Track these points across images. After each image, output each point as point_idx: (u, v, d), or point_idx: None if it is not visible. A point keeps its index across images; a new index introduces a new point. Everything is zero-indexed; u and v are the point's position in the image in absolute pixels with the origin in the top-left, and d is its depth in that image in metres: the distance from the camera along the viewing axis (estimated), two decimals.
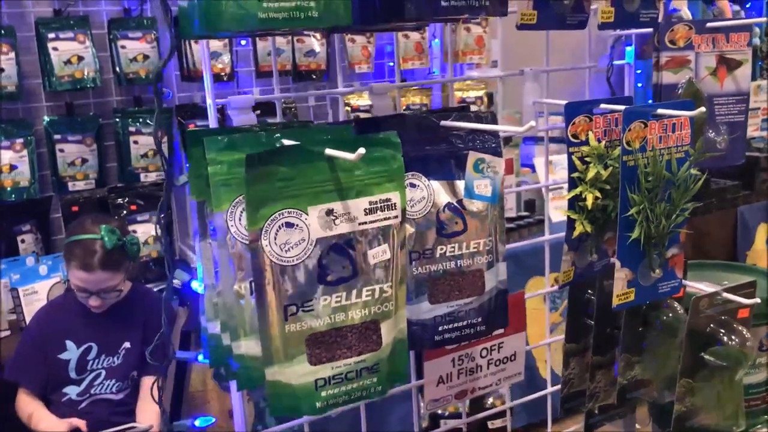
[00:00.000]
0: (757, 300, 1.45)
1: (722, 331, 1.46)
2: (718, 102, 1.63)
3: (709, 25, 1.57)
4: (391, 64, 3.80)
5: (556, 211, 2.87)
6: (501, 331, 1.49)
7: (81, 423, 2.29)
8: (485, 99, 3.80)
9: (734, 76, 1.61)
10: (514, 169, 3.32)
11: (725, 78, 1.62)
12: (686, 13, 2.29)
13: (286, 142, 1.08)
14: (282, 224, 0.99)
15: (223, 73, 3.21)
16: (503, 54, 3.59)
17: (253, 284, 1.03)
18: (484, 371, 1.60)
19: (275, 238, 0.99)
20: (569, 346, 1.65)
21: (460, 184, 1.28)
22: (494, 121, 1.30)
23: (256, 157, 0.99)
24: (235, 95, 1.29)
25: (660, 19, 1.67)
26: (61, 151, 2.95)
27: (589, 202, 1.42)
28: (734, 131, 1.65)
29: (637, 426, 1.84)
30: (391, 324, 1.09)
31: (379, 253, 1.06)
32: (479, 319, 1.31)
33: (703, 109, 1.30)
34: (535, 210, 3.45)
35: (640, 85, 1.82)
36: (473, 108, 3.74)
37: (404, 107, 3.68)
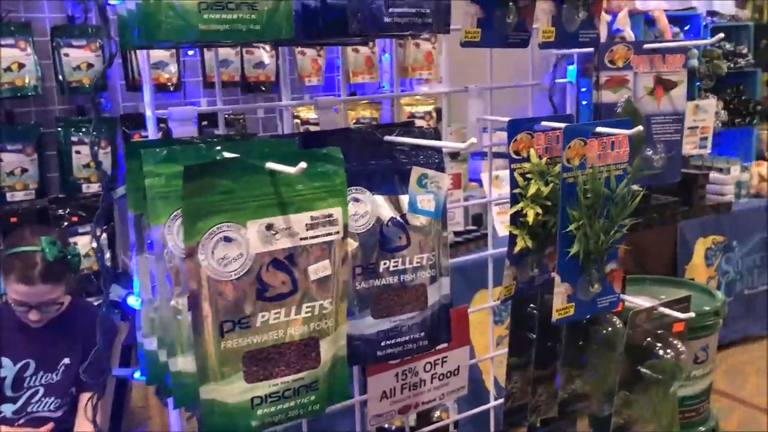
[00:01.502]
0: (692, 314, 1.48)
1: (658, 344, 1.49)
2: (655, 121, 1.68)
3: (646, 46, 1.62)
4: None
5: (502, 225, 2.90)
6: (445, 345, 1.49)
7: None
8: (434, 114, 3.84)
9: (670, 96, 1.66)
10: (462, 184, 3.35)
11: (662, 98, 1.66)
12: (629, 33, 2.35)
13: (227, 154, 1.07)
14: (220, 238, 0.97)
15: (169, 83, 3.17)
16: (449, 70, 3.63)
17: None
18: (427, 386, 1.60)
19: (213, 253, 0.97)
20: (512, 359, 1.66)
21: (404, 199, 1.28)
22: (438, 137, 1.31)
23: (195, 168, 0.96)
24: (182, 106, 1.27)
25: (603, 39, 1.71)
26: (0, 160, 2.86)
27: (531, 218, 1.44)
28: (670, 150, 1.69)
29: None
30: (331, 341, 1.07)
31: (319, 269, 1.04)
32: (422, 334, 1.31)
33: (640, 127, 1.33)
34: (482, 224, 3.49)
35: (585, 102, 1.86)
36: (422, 123, 3.77)
37: (354, 121, 3.68)
